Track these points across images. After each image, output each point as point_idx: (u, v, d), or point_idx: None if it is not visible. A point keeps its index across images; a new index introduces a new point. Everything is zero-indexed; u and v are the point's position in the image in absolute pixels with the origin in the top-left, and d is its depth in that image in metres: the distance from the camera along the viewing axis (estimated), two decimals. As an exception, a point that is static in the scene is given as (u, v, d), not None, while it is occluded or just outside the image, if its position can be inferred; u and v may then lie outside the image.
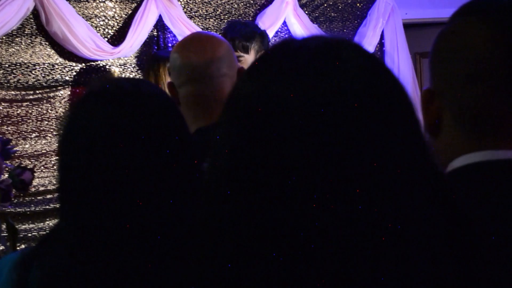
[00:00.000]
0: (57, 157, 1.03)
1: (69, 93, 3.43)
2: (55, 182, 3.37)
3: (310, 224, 0.61)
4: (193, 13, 3.73)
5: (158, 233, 0.94)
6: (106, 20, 3.53)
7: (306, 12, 3.97)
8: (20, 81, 3.36)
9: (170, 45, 3.66)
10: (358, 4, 4.13)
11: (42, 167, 3.36)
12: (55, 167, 3.29)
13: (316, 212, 0.61)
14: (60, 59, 3.43)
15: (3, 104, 3.31)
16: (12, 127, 3.32)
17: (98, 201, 0.95)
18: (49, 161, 3.37)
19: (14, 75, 3.33)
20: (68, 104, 3.37)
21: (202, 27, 3.62)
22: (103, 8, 3.51)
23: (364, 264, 0.61)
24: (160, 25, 3.63)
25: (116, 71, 3.52)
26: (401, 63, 4.13)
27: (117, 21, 3.55)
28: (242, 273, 0.63)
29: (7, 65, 3.33)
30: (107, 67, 3.53)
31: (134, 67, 3.61)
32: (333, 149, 0.62)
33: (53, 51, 3.41)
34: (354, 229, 0.62)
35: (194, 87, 1.53)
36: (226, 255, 0.64)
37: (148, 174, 0.96)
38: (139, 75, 3.61)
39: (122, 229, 0.94)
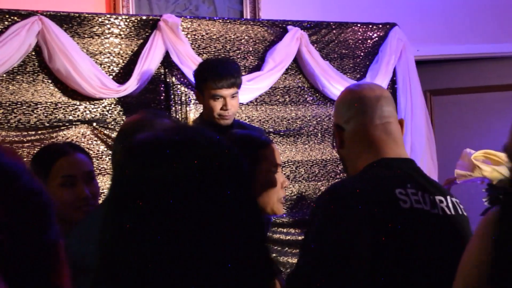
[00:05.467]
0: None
1: (72, 133, 3.25)
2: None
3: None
4: (201, 50, 3.58)
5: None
6: (111, 57, 3.37)
7: (317, 48, 3.84)
8: (21, 121, 3.17)
9: (178, 82, 3.50)
10: (369, 41, 4.00)
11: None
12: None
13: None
14: (63, 98, 3.25)
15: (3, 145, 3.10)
16: (12, 169, 3.12)
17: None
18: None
19: (15, 115, 3.15)
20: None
21: (210, 64, 3.45)
22: (108, 45, 3.34)
23: None
24: (167, 62, 3.48)
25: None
26: (413, 100, 3.99)
27: (123, 58, 3.39)
28: None
29: (7, 104, 3.14)
30: (112, 105, 3.36)
31: (139, 105, 3.43)
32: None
33: (56, 89, 3.23)
34: None
35: (365, 118, 1.61)
36: None
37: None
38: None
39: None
